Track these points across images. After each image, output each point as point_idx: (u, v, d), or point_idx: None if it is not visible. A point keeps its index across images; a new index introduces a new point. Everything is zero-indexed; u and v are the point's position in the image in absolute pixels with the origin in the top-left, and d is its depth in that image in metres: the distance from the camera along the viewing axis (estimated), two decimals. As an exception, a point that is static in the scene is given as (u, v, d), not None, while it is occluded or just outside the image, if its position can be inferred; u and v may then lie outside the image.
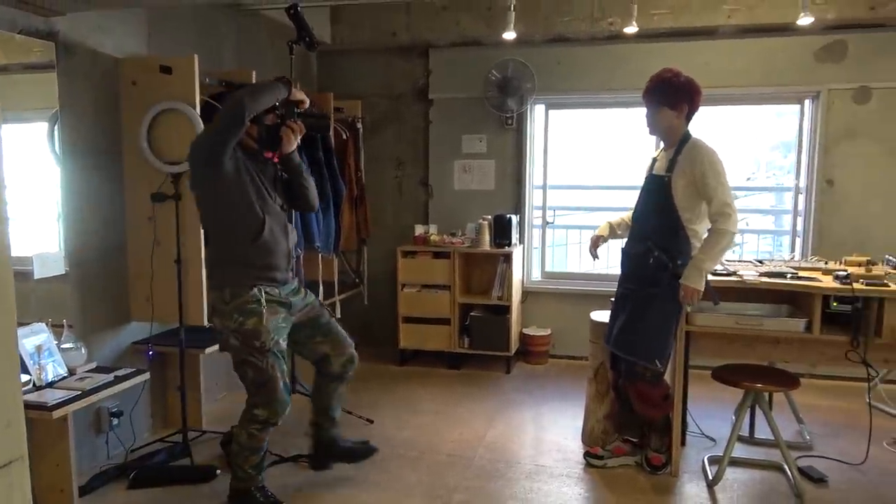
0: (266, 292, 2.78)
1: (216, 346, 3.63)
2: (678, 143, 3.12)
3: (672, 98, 3.11)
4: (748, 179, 8.50)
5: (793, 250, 4.89)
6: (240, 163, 2.75)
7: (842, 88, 4.53)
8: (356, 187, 4.96)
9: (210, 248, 2.88)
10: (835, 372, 4.39)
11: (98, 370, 3.03)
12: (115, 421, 3.39)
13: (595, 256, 3.55)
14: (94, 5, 2.83)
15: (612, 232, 3.54)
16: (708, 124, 8.08)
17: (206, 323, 3.52)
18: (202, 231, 3.01)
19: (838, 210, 4.63)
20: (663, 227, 3.09)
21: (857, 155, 4.56)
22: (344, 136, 4.88)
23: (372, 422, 3.92)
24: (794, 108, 4.84)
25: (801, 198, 4.81)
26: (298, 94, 2.88)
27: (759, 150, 6.18)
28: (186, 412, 3.50)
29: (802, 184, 4.79)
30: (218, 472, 3.24)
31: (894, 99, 4.46)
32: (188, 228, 3.38)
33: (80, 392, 2.76)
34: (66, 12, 2.91)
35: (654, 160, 3.28)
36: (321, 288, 4.61)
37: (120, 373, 3.01)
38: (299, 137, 2.91)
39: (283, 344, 2.86)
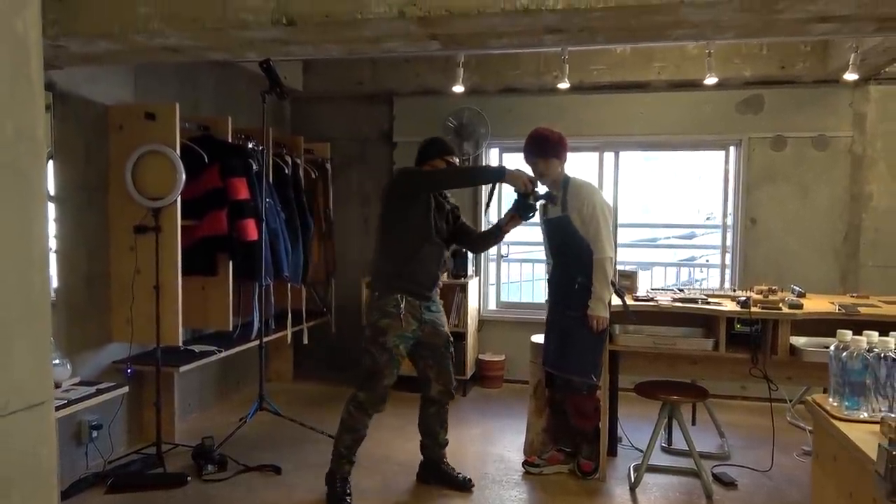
0: (408, 300, 3.28)
1: (190, 365, 4.00)
2: (562, 186, 3.57)
3: (557, 151, 3.58)
4: (707, 219, 9.01)
5: (722, 282, 5.36)
6: (428, 199, 3.34)
7: (760, 137, 5.07)
8: (324, 223, 5.37)
9: (378, 257, 3.44)
10: (762, 394, 4.80)
11: (82, 384, 3.36)
12: (95, 433, 3.69)
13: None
14: (90, 62, 3.23)
15: None
16: (675, 167, 8.68)
17: (179, 344, 3.88)
18: (376, 241, 3.53)
19: (760, 245, 5.13)
20: (579, 256, 3.51)
21: (775, 196, 5.08)
22: (313, 176, 5.31)
23: (332, 437, 4.24)
24: (730, 154, 5.32)
25: (729, 234, 5.31)
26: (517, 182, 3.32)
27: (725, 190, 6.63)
28: (161, 426, 3.81)
29: (730, 222, 5.29)
30: (188, 479, 3.55)
31: (805, 147, 5.01)
32: (166, 258, 3.75)
33: (65, 401, 3.08)
34: (65, 66, 3.31)
35: (544, 206, 3.64)
36: (290, 316, 4.97)
37: (102, 386, 3.35)
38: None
39: (403, 351, 3.34)
